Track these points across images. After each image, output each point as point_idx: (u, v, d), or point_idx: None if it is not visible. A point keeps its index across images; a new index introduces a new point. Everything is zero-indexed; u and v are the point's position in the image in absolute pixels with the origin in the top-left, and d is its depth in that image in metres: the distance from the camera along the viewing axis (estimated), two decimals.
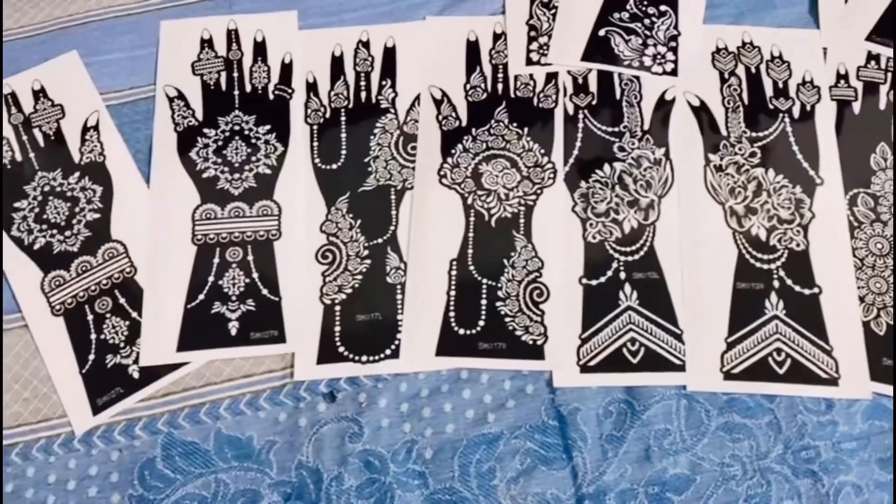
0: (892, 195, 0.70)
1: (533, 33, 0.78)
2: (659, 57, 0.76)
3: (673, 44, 0.77)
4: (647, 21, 0.78)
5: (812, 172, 0.72)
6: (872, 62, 0.76)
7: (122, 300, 0.70)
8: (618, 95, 0.76)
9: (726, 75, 0.76)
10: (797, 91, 0.75)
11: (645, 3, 0.78)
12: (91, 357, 0.68)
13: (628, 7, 0.78)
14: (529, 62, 0.77)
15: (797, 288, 0.68)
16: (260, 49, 0.79)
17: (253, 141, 0.76)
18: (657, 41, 0.77)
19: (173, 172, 0.74)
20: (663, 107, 0.75)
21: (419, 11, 0.81)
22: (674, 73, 0.76)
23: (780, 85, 0.75)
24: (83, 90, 0.78)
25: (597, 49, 0.77)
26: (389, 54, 0.79)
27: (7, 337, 0.69)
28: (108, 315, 0.70)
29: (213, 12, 0.81)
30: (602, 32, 0.77)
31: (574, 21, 0.78)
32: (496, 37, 0.79)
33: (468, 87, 0.77)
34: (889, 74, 0.75)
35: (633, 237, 0.70)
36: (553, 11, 0.79)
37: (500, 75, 0.78)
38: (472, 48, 0.79)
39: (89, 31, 0.81)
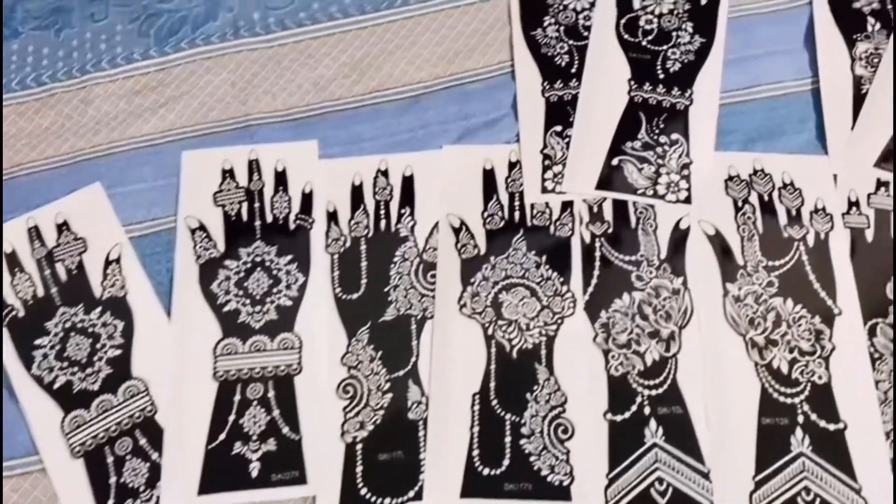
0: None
1: (547, 162, 0.80)
2: (672, 185, 0.78)
3: (686, 171, 0.78)
4: (659, 150, 0.79)
5: (830, 302, 0.72)
6: (882, 189, 0.77)
7: (142, 441, 0.69)
8: (633, 224, 0.77)
9: (740, 203, 0.77)
10: (811, 218, 0.76)
11: (657, 131, 0.80)
12: (111, 502, 0.67)
13: (640, 136, 0.80)
14: (545, 190, 0.79)
15: (822, 423, 0.68)
16: (281, 179, 0.81)
17: (274, 272, 0.76)
18: (670, 169, 0.78)
19: (195, 306, 0.75)
20: (679, 235, 0.76)
21: (437, 140, 0.83)
22: (688, 200, 0.77)
23: (794, 213, 0.76)
24: (106, 222, 0.79)
25: (611, 178, 0.78)
26: (408, 183, 0.81)
27: (25, 481, 0.68)
28: (128, 457, 0.69)
29: (235, 142, 0.83)
30: (615, 161, 0.79)
31: (587, 150, 0.80)
32: (511, 165, 0.81)
33: (486, 215, 0.79)
34: None
35: (656, 370, 0.70)
36: (566, 140, 0.81)
37: (517, 203, 0.79)
38: (489, 176, 0.80)
39: (112, 162, 0.82)
